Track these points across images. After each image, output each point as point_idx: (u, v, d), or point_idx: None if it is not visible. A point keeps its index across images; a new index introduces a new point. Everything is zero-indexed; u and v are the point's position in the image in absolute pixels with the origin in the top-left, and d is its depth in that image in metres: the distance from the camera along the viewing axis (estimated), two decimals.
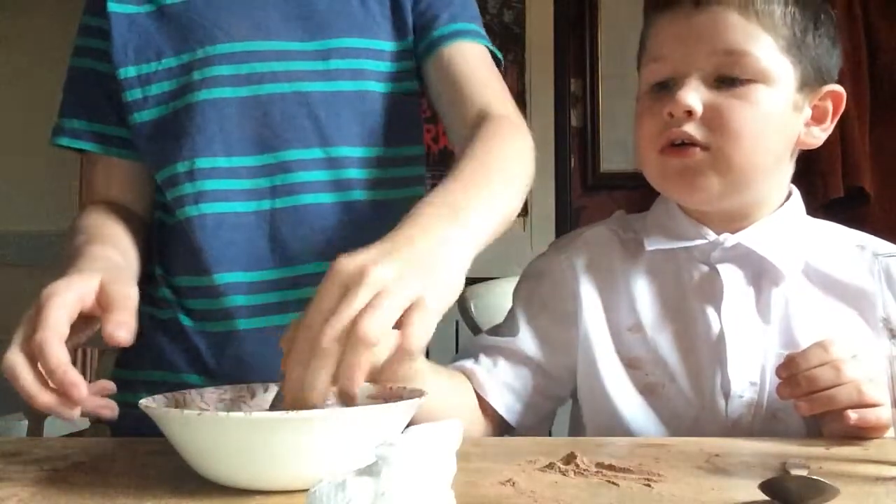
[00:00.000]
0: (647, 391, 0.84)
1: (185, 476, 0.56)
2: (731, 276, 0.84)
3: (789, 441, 0.71)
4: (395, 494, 0.40)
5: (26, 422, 1.15)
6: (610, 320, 0.88)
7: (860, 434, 0.71)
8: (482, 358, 0.89)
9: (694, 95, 0.80)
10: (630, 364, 0.85)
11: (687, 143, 0.81)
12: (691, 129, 0.81)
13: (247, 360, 0.87)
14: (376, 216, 0.90)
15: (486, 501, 0.50)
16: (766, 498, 0.49)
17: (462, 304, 1.22)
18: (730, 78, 0.80)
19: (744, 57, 0.80)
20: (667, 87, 0.83)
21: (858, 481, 0.55)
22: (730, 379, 0.81)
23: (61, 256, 0.79)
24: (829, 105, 0.86)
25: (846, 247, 0.88)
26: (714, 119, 0.80)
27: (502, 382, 0.87)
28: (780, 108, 0.82)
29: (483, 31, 0.96)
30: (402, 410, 0.55)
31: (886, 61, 2.24)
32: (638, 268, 0.89)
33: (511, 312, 0.94)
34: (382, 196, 0.92)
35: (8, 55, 3.08)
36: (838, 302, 0.84)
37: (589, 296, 0.89)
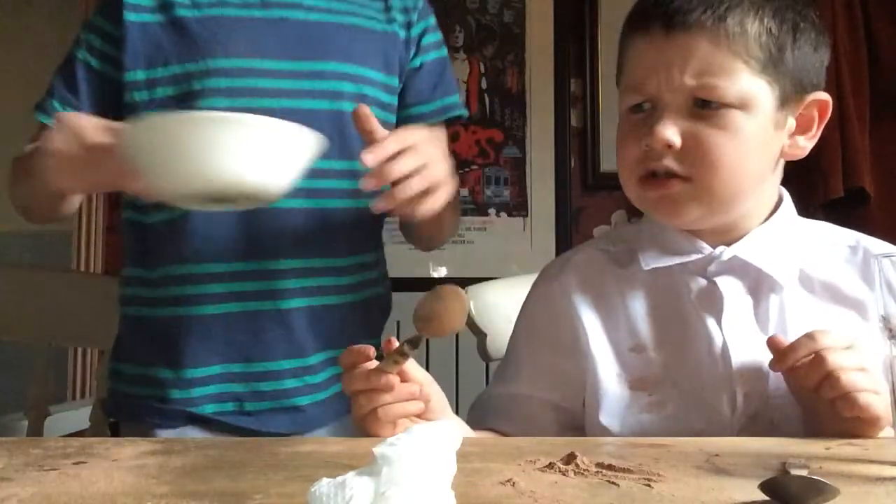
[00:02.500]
0: (652, 410, 0.83)
1: (185, 476, 0.56)
2: (730, 289, 0.84)
3: (789, 441, 0.71)
4: (395, 494, 0.40)
5: (26, 422, 1.15)
6: (611, 342, 0.87)
7: (856, 426, 0.71)
8: (503, 414, 0.89)
9: (672, 129, 0.79)
10: (634, 385, 0.84)
11: (666, 175, 0.81)
12: (670, 161, 0.80)
13: (214, 340, 0.99)
14: (346, 221, 1.04)
15: (486, 501, 0.50)
16: (766, 498, 0.49)
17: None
18: (706, 101, 0.79)
19: (715, 88, 0.79)
20: (644, 110, 0.83)
21: (858, 481, 0.55)
22: (736, 391, 0.80)
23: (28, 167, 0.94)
24: (815, 113, 0.84)
25: (840, 248, 0.88)
26: (693, 149, 0.79)
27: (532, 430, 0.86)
28: (760, 131, 0.81)
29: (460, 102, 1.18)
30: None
31: (886, 61, 2.24)
32: (634, 286, 0.88)
33: (515, 355, 0.93)
34: (353, 205, 1.04)
35: (8, 55, 3.07)
36: (835, 305, 0.84)
37: (588, 320, 0.88)
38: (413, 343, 0.68)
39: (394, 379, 0.70)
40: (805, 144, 0.85)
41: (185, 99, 0.97)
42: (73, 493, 0.53)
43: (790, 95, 0.82)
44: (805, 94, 0.83)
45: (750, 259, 0.83)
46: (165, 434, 0.98)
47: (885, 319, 0.62)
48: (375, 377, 0.70)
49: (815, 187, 2.09)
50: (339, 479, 0.41)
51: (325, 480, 0.41)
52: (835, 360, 0.71)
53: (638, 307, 0.87)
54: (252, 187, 0.74)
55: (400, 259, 2.41)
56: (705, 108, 0.79)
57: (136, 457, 0.65)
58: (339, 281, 1.04)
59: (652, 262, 0.87)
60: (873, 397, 0.70)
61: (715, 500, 0.50)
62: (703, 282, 0.85)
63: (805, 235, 0.89)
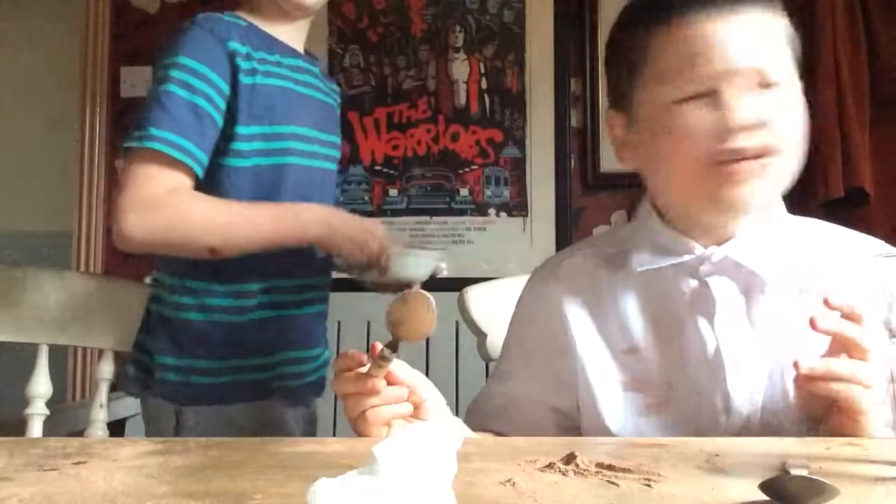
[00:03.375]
0: (647, 413, 0.83)
1: (185, 476, 0.56)
2: (722, 290, 0.83)
3: (789, 441, 0.71)
4: (395, 494, 0.40)
5: (26, 422, 1.15)
6: (605, 344, 0.87)
7: (841, 419, 0.72)
8: (502, 415, 0.90)
9: (752, 109, 0.78)
10: (628, 387, 0.84)
11: (744, 158, 0.79)
12: (750, 141, 0.78)
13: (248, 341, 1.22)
14: None
15: (486, 501, 0.50)
16: (766, 498, 0.48)
17: (462, 303, 1.22)
18: (768, 83, 0.79)
19: (776, 61, 0.80)
20: (703, 98, 0.79)
21: (858, 481, 0.55)
22: (730, 394, 0.80)
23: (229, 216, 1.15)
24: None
25: (829, 245, 0.88)
26: (768, 128, 0.78)
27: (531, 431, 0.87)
28: (799, 106, 0.83)
29: None
30: None
31: (886, 61, 2.24)
32: (626, 287, 0.88)
33: (509, 356, 0.94)
34: None
35: (7, 55, 3.07)
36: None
37: (580, 323, 0.88)
38: (392, 347, 0.71)
39: (379, 383, 0.73)
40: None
41: (273, 154, 1.21)
42: (73, 493, 0.53)
43: (798, 73, 0.84)
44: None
45: (741, 259, 0.83)
46: (234, 409, 1.19)
47: (886, 320, 0.62)
48: (362, 381, 0.73)
49: (814, 187, 2.09)
50: (339, 478, 0.41)
51: (325, 480, 0.41)
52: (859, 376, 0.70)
53: (631, 309, 0.87)
54: None
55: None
56: (768, 89, 0.79)
57: (136, 457, 0.65)
58: None
59: (644, 263, 0.86)
60: (857, 389, 0.70)
61: (715, 500, 0.50)
62: (694, 283, 0.85)
63: (795, 233, 0.88)
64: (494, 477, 0.56)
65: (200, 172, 1.14)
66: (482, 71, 2.47)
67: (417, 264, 1.19)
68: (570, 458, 0.59)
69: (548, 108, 2.44)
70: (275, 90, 1.21)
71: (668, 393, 0.83)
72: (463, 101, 2.46)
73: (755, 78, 0.79)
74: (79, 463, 0.63)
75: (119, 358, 1.23)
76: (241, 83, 1.17)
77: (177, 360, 1.18)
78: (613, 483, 0.54)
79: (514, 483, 0.54)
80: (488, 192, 2.44)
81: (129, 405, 2.31)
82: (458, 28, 2.47)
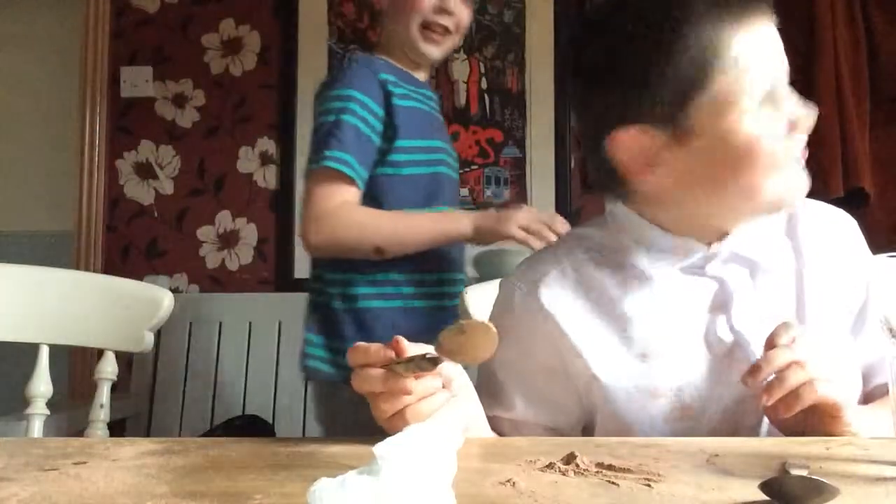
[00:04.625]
0: (677, 419, 0.80)
1: (185, 476, 0.56)
2: (736, 283, 0.83)
3: (789, 441, 0.71)
4: (395, 494, 0.40)
5: (26, 422, 1.15)
6: (620, 352, 0.82)
7: (822, 420, 0.72)
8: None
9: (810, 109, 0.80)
10: (653, 394, 0.81)
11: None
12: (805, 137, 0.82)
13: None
14: None
15: (486, 501, 0.50)
16: (766, 498, 0.48)
17: (462, 303, 1.22)
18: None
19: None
20: (768, 100, 0.78)
21: (858, 481, 0.55)
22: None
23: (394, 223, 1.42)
24: None
25: (822, 220, 0.90)
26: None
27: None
28: None
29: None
30: None
31: (886, 61, 2.24)
32: (633, 291, 0.84)
33: (497, 379, 0.88)
34: None
35: (8, 55, 3.07)
36: (825, 274, 0.85)
37: (581, 340, 0.83)
38: (434, 362, 0.66)
39: (411, 383, 0.66)
40: None
41: (425, 164, 1.46)
42: (73, 493, 0.53)
43: None
44: None
45: (746, 252, 0.84)
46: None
47: (886, 320, 0.62)
48: (393, 381, 0.66)
49: (814, 187, 2.09)
50: (339, 478, 0.41)
51: (325, 480, 0.41)
52: (811, 371, 0.71)
53: (639, 314, 0.83)
54: None
55: None
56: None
57: (136, 457, 0.65)
58: None
59: (654, 266, 0.84)
60: (825, 385, 0.70)
61: (715, 500, 0.50)
62: (705, 281, 0.84)
63: (786, 217, 0.89)
64: (494, 477, 0.56)
65: (363, 186, 1.39)
66: (482, 71, 2.47)
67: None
68: (570, 458, 0.59)
69: (548, 108, 2.44)
70: (418, 111, 1.47)
71: (691, 395, 0.81)
72: (463, 101, 2.46)
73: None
74: (79, 463, 0.63)
75: (119, 358, 1.23)
76: (395, 105, 1.42)
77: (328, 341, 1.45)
78: (613, 483, 0.54)
79: (514, 483, 0.54)
80: (488, 192, 2.44)
81: (129, 405, 2.32)
82: None
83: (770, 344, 0.74)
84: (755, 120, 0.77)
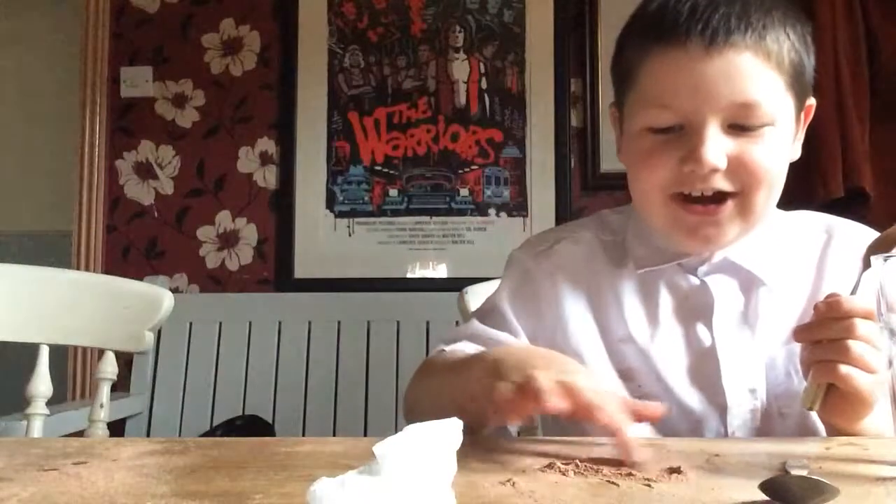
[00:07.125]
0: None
1: (185, 476, 0.56)
2: (721, 289, 0.85)
3: (789, 441, 0.71)
4: (395, 494, 0.40)
5: (26, 422, 1.15)
6: (601, 331, 0.87)
7: (847, 406, 0.70)
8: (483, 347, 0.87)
9: (719, 152, 0.76)
10: (623, 375, 0.84)
11: (711, 199, 0.79)
12: (719, 182, 0.77)
13: None
14: None
15: (486, 501, 0.50)
16: (766, 498, 0.48)
17: (462, 303, 1.21)
18: (743, 126, 0.77)
19: (759, 107, 0.76)
20: (672, 131, 0.79)
21: (858, 481, 0.55)
22: (724, 391, 0.81)
23: None
24: (803, 116, 0.85)
25: (819, 235, 0.89)
26: (738, 169, 0.77)
27: None
28: (787, 144, 0.81)
29: None
30: None
31: (886, 61, 2.24)
32: (626, 278, 0.88)
33: (498, 308, 0.92)
34: None
35: (8, 55, 3.08)
36: (821, 293, 0.85)
37: (575, 308, 0.88)
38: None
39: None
40: (798, 147, 0.85)
41: None
42: (73, 493, 0.53)
43: (801, 105, 0.82)
44: (806, 101, 0.84)
45: (740, 261, 0.85)
46: None
47: (886, 320, 0.62)
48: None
49: (814, 188, 2.09)
50: (339, 478, 0.41)
51: (325, 480, 0.41)
52: (861, 330, 0.67)
53: (630, 300, 0.87)
54: None
55: (402, 259, 2.42)
56: (745, 126, 0.77)
57: (136, 457, 0.65)
58: None
59: (644, 263, 0.88)
60: (868, 378, 0.68)
61: (715, 500, 0.50)
62: (693, 281, 0.86)
63: (788, 229, 0.89)
64: (494, 477, 0.56)
65: None
66: (482, 71, 2.47)
67: None
68: (570, 459, 0.59)
69: (548, 108, 2.44)
70: None
71: (662, 385, 0.83)
72: (463, 101, 2.46)
73: (738, 115, 0.76)
74: (79, 463, 0.63)
75: (119, 358, 1.23)
76: None
77: None
78: (613, 483, 0.54)
79: (514, 483, 0.54)
80: (488, 192, 2.44)
81: (129, 405, 2.32)
82: (458, 28, 2.47)
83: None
84: (642, 142, 0.81)
